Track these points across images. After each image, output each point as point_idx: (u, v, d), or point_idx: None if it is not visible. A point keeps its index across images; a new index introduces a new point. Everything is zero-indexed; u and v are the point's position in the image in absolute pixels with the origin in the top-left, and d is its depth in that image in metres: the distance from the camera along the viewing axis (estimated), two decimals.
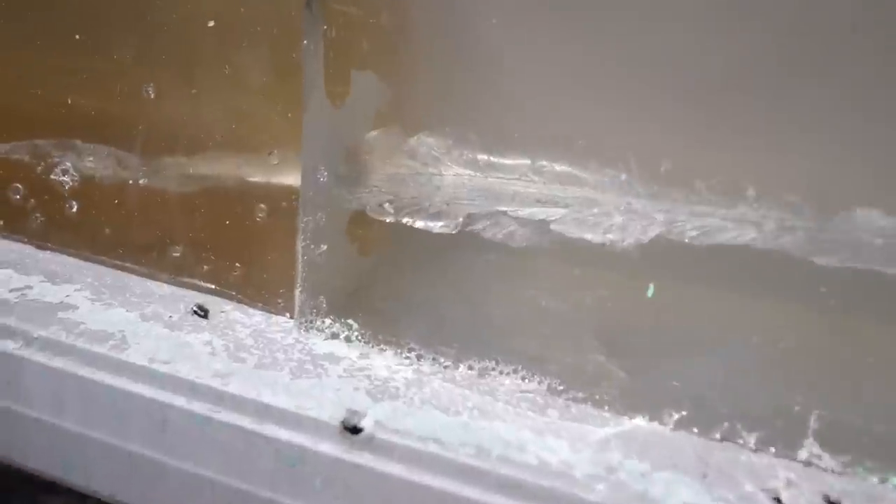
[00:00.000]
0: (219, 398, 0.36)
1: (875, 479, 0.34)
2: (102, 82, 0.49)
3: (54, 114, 0.51)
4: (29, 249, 0.52)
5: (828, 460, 0.34)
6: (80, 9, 0.48)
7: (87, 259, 0.51)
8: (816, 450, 0.34)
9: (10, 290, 0.45)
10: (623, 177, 0.38)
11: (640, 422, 0.37)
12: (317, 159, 0.42)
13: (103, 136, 0.50)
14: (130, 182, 0.49)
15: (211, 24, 0.43)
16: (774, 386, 0.36)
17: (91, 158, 0.51)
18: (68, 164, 0.51)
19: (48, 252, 0.52)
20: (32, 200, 0.52)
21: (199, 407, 0.36)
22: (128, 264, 0.50)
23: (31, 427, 0.39)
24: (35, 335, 0.40)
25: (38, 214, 0.52)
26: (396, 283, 0.46)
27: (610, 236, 0.38)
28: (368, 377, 0.39)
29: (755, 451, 0.35)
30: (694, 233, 0.37)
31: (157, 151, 0.48)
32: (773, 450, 0.35)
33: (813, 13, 0.34)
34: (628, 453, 0.34)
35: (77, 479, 0.39)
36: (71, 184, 0.51)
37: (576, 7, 0.38)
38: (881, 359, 0.34)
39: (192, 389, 0.36)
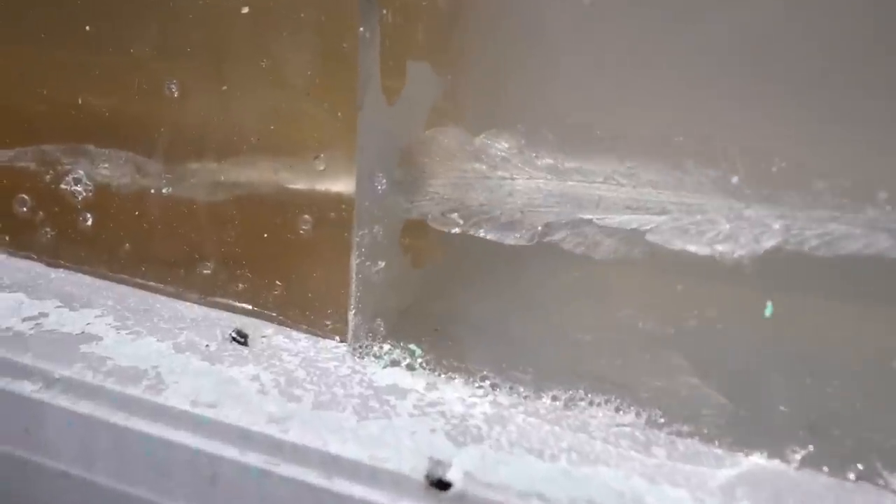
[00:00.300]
0: (277, 448, 0.31)
1: None
2: (118, 79, 0.43)
3: (63, 115, 0.45)
4: (39, 268, 0.47)
5: None
6: None
7: (105, 278, 0.46)
8: None
9: (24, 320, 0.39)
10: (735, 179, 0.33)
11: (759, 459, 0.32)
12: (373, 164, 0.37)
13: (119, 140, 0.44)
14: (152, 191, 0.44)
15: (245, 10, 0.38)
16: None
17: (106, 165, 0.45)
18: (81, 171, 0.46)
19: (61, 271, 0.47)
20: (41, 213, 0.47)
21: (254, 459, 0.31)
22: (152, 283, 0.45)
23: (56, 482, 0.34)
24: (56, 375, 0.34)
25: (48, 229, 0.47)
26: (456, 300, 0.41)
27: (719, 247, 0.33)
28: (443, 414, 0.34)
29: None
30: (815, 242, 0.32)
31: (182, 156, 0.43)
32: None
33: None
34: (760, 503, 0.29)
35: None
36: (84, 194, 0.46)
37: None
38: None
39: (245, 438, 0.31)
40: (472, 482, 0.29)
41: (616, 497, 0.29)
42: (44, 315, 0.40)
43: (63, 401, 0.34)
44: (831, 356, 0.33)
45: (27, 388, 0.35)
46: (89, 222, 0.46)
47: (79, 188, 0.46)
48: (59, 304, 0.42)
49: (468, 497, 0.29)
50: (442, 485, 0.29)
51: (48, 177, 0.46)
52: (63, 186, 0.46)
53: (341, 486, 0.30)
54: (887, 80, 0.31)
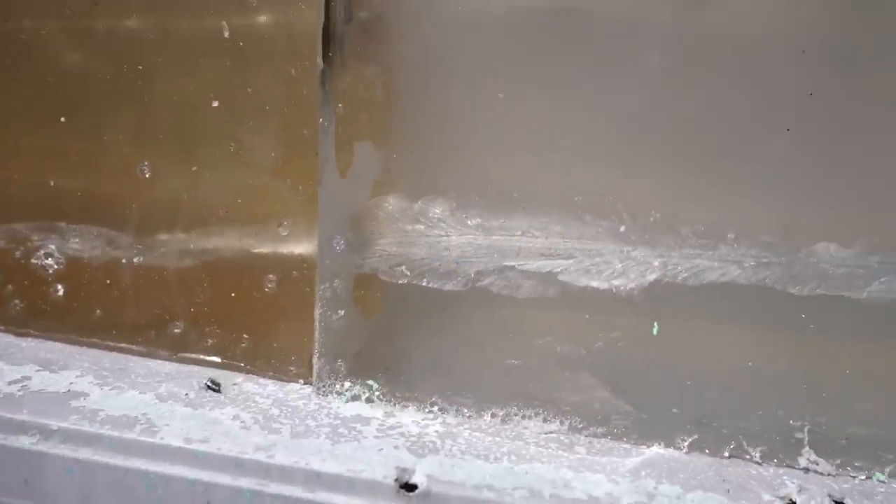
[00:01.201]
0: (265, 471, 0.36)
1: (863, 476, 0.39)
2: (91, 162, 0.48)
3: (35, 197, 0.50)
4: (8, 338, 0.50)
5: (824, 465, 0.39)
6: (65, 91, 0.48)
7: (76, 343, 0.50)
8: (813, 457, 0.39)
9: (9, 383, 0.43)
10: (622, 228, 0.42)
11: (658, 449, 0.41)
12: (332, 229, 0.44)
13: (91, 217, 0.49)
14: (123, 261, 0.49)
15: (215, 104, 0.45)
16: (770, 405, 0.41)
17: (77, 240, 0.50)
18: (52, 246, 0.50)
19: (31, 339, 0.50)
20: (10, 286, 0.50)
21: (246, 482, 0.36)
22: (123, 345, 0.49)
23: None
24: (54, 427, 0.38)
25: (17, 301, 0.50)
26: (404, 341, 0.48)
27: (615, 282, 0.42)
28: (402, 434, 0.40)
29: (761, 463, 0.40)
30: (686, 274, 0.42)
31: (152, 229, 0.48)
32: (775, 461, 0.40)
33: (773, 79, 0.40)
34: (660, 479, 0.37)
35: None
36: (56, 267, 0.50)
37: (565, 75, 0.43)
38: (856, 371, 0.40)
39: (237, 466, 0.36)
40: (435, 482, 0.35)
41: (549, 483, 0.36)
42: (27, 378, 0.44)
43: (62, 450, 0.38)
44: (709, 364, 0.43)
45: (25, 441, 0.38)
46: (60, 292, 0.50)
47: (50, 262, 0.50)
48: (39, 367, 0.45)
49: (432, 493, 0.35)
50: (409, 487, 0.35)
51: (18, 253, 0.50)
52: (34, 261, 0.50)
53: (324, 497, 0.35)
54: (729, 148, 0.41)
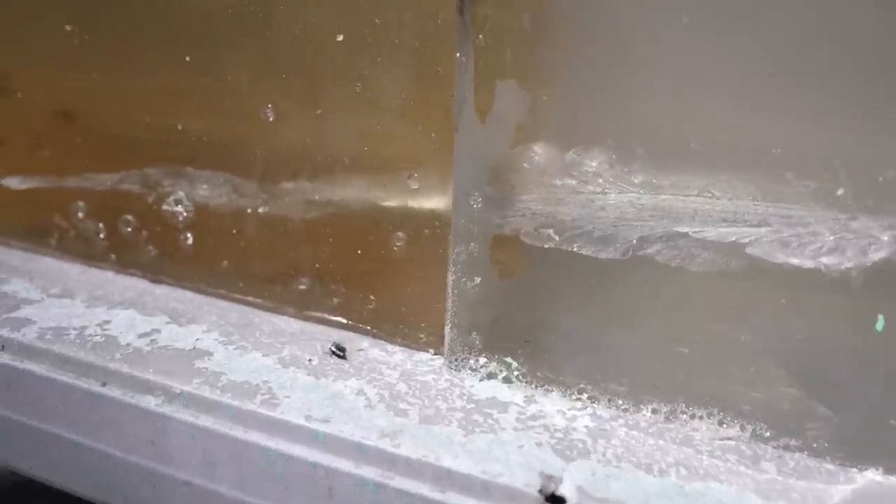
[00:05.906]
0: (390, 462, 0.32)
1: None
2: (215, 105, 0.45)
3: (164, 140, 0.48)
4: (144, 284, 0.50)
5: None
6: (189, 28, 0.45)
7: (204, 293, 0.48)
8: None
9: (139, 336, 0.42)
10: (840, 191, 0.32)
11: (874, 475, 0.32)
12: (469, 183, 0.38)
13: (217, 162, 0.47)
14: (249, 210, 0.46)
15: (340, 38, 0.39)
16: None
17: (205, 186, 0.47)
18: (181, 193, 0.48)
19: (164, 287, 0.49)
20: (145, 232, 0.50)
21: (369, 472, 0.32)
22: (250, 298, 0.47)
23: (180, 491, 0.36)
24: (177, 390, 0.37)
25: (151, 247, 0.50)
26: (546, 311, 0.41)
27: (824, 260, 0.33)
28: (546, 428, 0.34)
29: None
30: None
31: (277, 177, 0.45)
32: None
33: None
34: None
35: None
36: (185, 214, 0.48)
37: None
38: None
39: (360, 451, 0.33)
40: (586, 498, 0.30)
41: None
42: (156, 331, 0.42)
43: (185, 415, 0.36)
44: None
45: (151, 402, 0.37)
46: (189, 240, 0.48)
47: (179, 208, 0.48)
48: (168, 319, 0.44)
49: None
50: (556, 500, 0.30)
51: (151, 198, 0.49)
52: (165, 207, 0.48)
53: (456, 499, 0.31)
54: None
